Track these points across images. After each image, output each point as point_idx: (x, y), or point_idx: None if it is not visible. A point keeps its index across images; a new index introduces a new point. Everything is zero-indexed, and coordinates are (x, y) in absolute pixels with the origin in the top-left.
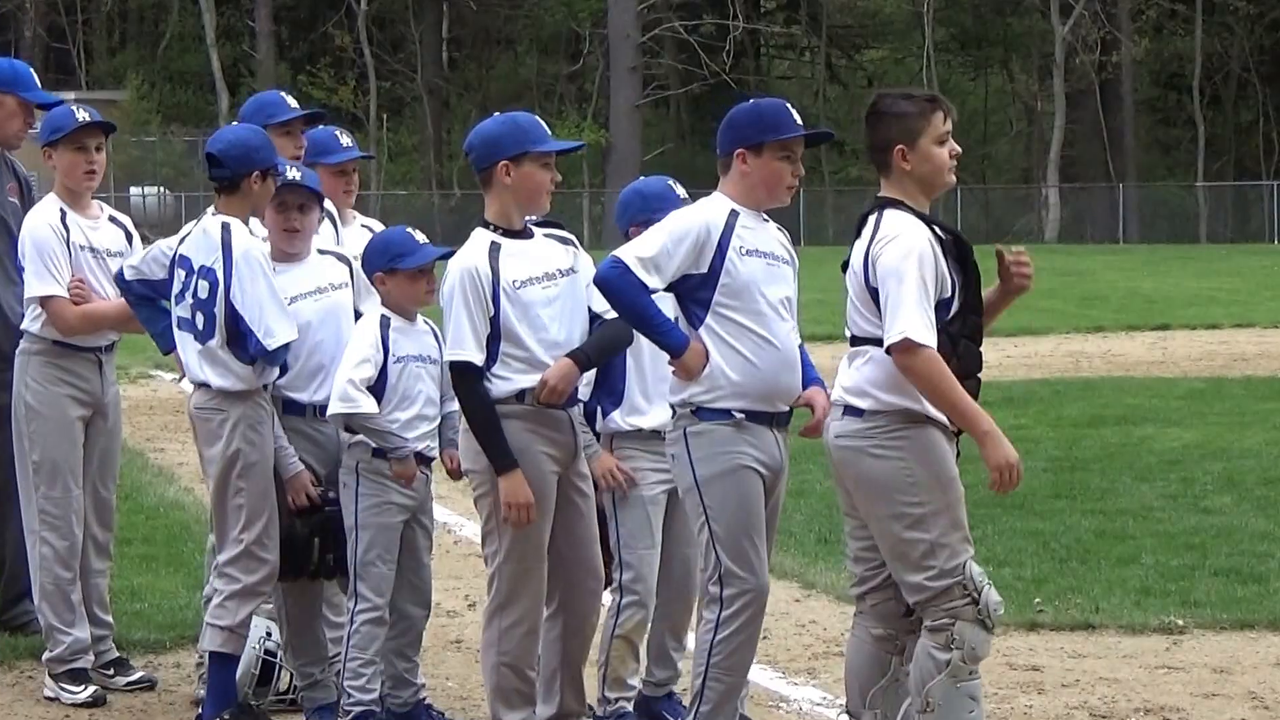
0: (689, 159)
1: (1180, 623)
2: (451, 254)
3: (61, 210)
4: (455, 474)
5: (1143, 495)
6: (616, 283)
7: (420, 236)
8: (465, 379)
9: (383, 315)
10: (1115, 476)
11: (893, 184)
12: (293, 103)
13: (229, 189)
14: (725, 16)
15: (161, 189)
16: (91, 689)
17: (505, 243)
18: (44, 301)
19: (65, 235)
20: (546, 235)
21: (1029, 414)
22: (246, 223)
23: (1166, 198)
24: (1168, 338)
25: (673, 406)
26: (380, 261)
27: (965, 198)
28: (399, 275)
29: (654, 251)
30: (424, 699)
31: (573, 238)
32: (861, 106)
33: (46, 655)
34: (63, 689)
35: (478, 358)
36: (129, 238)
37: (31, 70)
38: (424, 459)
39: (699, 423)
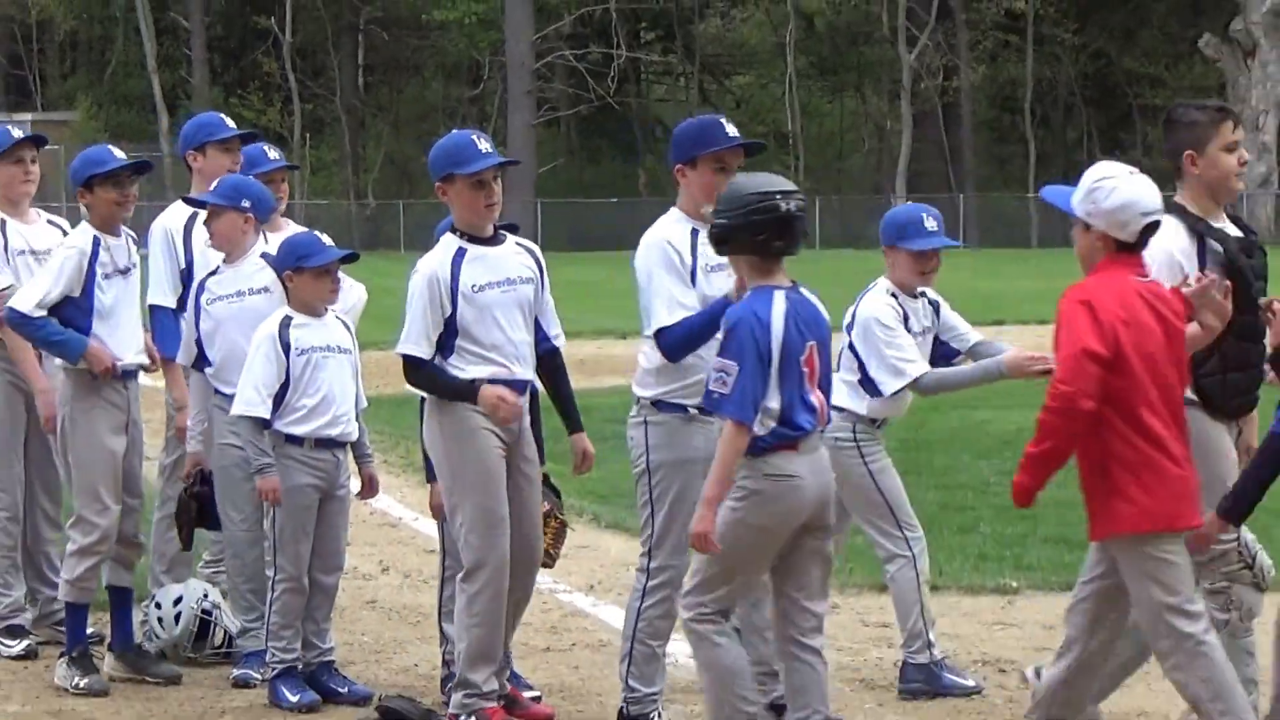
0: (577, 173)
1: (1014, 584)
2: (354, 256)
3: (1, 220)
4: (367, 492)
5: (981, 471)
6: (674, 339)
7: (326, 239)
8: (413, 368)
9: (285, 315)
10: (957, 455)
11: (1185, 188)
12: (230, 123)
13: None
14: (610, 46)
15: None
16: (25, 643)
17: (470, 248)
18: None
19: (4, 243)
20: (518, 243)
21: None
22: (109, 227)
23: (1002, 207)
24: (1003, 332)
25: (637, 397)
26: (288, 261)
27: (823, 206)
28: (305, 274)
29: (675, 293)
30: (330, 661)
31: (539, 253)
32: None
33: None
34: (1, 643)
35: (425, 353)
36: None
37: None
38: (337, 443)
39: (658, 413)
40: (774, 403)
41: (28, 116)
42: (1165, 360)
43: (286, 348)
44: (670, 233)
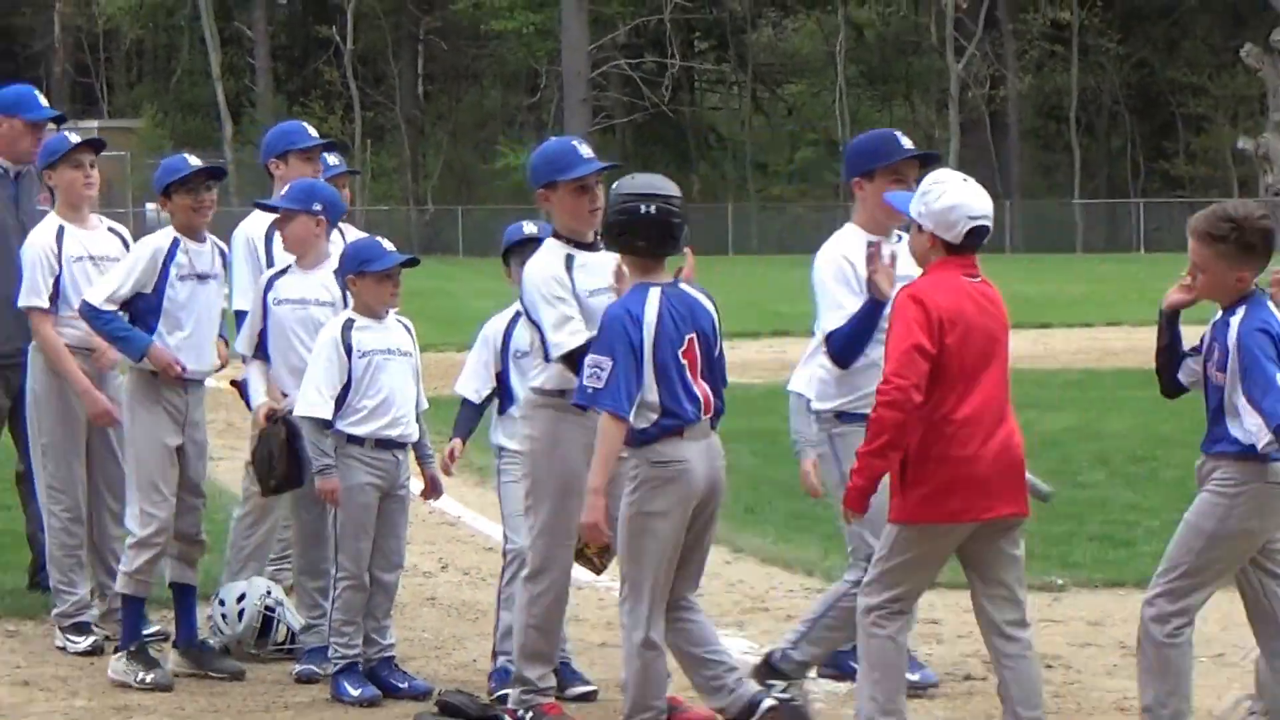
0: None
1: (1060, 582)
2: (414, 261)
3: (60, 228)
4: (429, 492)
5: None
6: (836, 342)
7: (388, 245)
8: (574, 362)
9: (347, 319)
10: None
11: None
12: (313, 132)
13: None
14: (664, 55)
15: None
16: (91, 639)
17: (577, 254)
18: (28, 311)
19: (57, 252)
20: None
21: None
22: (190, 233)
23: (1047, 213)
24: (1048, 335)
25: (817, 412)
26: (351, 266)
27: None
28: (367, 278)
29: (837, 298)
30: (391, 657)
31: None
32: (782, 135)
33: (54, 611)
34: (68, 639)
35: (579, 340)
36: (126, 245)
37: (35, 92)
38: (397, 443)
39: (840, 424)
40: (652, 395)
41: (94, 124)
42: (987, 352)
43: (349, 350)
44: (847, 248)
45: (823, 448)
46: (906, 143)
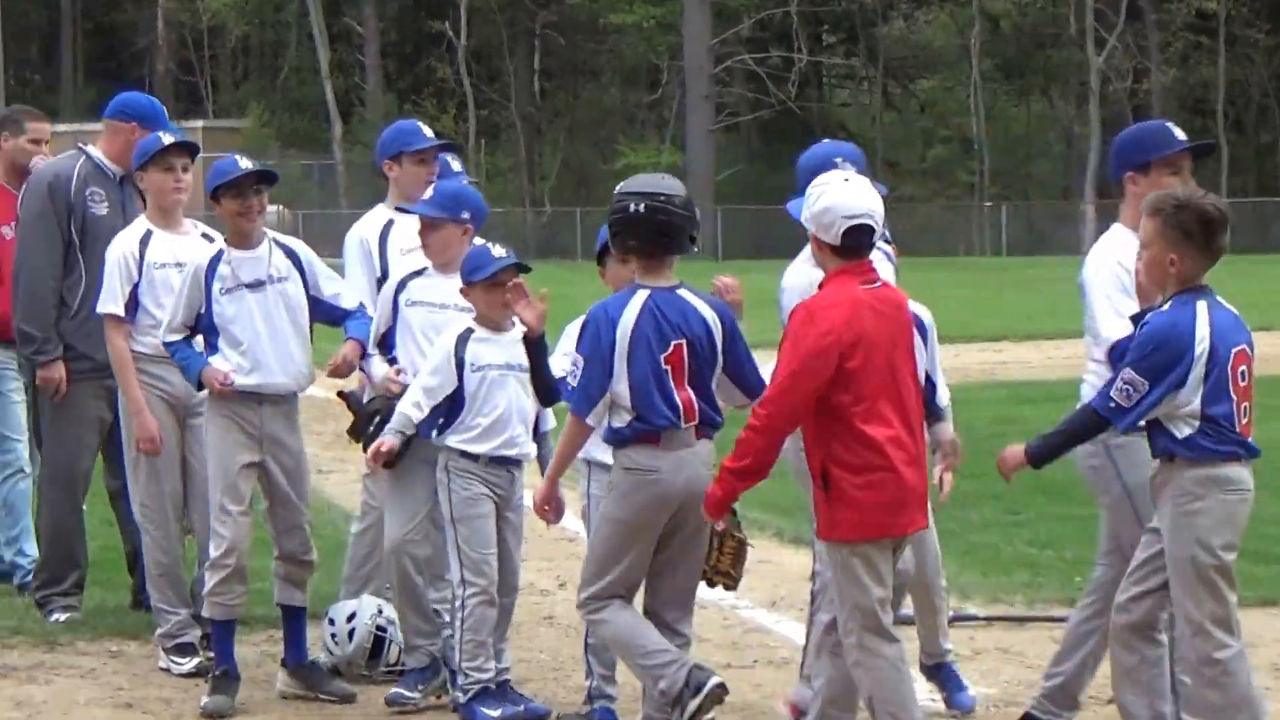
0: (758, 180)
1: None
2: (523, 267)
3: (147, 232)
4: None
5: None
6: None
7: (498, 251)
8: None
9: (465, 329)
10: None
11: None
12: (428, 132)
13: None
14: (790, 49)
15: (280, 208)
16: (195, 660)
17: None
18: (104, 318)
19: (139, 258)
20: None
21: (1062, 411)
22: (240, 240)
23: None
24: None
25: None
26: (463, 277)
27: (1010, 213)
28: (476, 288)
29: (1116, 304)
30: (507, 680)
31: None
32: (914, 131)
33: (157, 632)
34: (172, 661)
35: None
36: None
37: (163, 107)
38: (514, 461)
39: (1117, 435)
40: (625, 396)
41: (199, 124)
42: (894, 363)
43: (460, 364)
44: (1119, 251)
45: (1095, 460)
46: (1180, 134)
